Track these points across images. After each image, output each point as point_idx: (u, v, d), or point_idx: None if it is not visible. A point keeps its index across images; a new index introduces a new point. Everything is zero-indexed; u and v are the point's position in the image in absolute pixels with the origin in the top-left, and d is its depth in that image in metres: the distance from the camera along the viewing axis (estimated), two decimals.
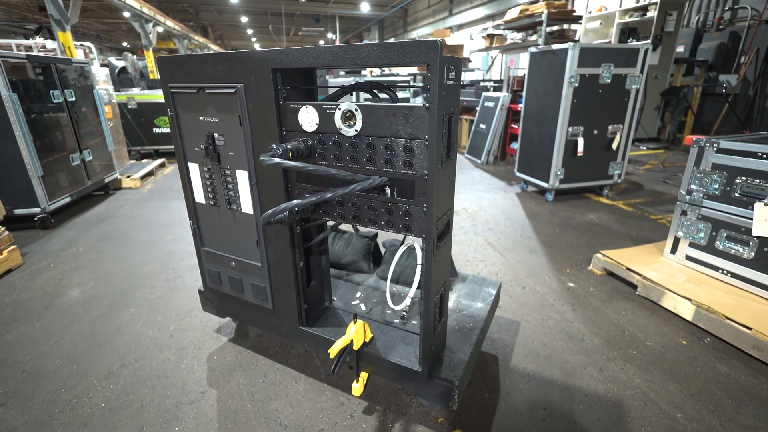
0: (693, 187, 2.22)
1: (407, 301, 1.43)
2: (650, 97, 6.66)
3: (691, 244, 2.26)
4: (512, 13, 6.88)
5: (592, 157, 3.78)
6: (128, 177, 4.62)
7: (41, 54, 7.52)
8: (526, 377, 1.67)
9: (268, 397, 1.58)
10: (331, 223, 1.65)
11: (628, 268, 2.31)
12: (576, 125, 3.59)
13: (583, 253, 2.78)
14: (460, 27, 16.05)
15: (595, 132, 3.68)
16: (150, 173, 5.12)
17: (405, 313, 1.55)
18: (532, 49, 3.83)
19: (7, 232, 2.66)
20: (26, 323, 2.07)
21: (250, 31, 25.59)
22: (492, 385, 1.63)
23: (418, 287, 1.25)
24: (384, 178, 1.13)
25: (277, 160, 1.00)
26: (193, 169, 1.55)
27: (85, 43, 8.21)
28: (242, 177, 1.42)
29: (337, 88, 1.30)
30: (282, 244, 1.44)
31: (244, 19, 21.34)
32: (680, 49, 6.92)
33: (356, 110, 1.12)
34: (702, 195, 2.18)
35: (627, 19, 6.77)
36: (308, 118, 1.21)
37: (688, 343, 1.86)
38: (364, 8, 18.43)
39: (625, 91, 3.62)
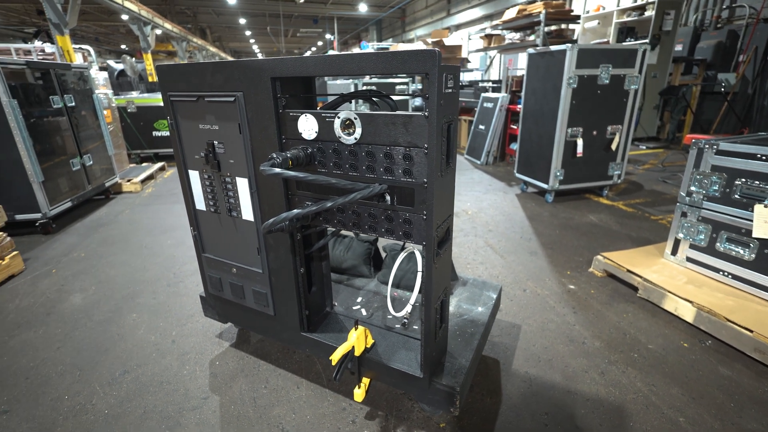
0: (693, 188, 2.22)
1: (408, 308, 1.44)
2: (649, 96, 6.67)
3: (692, 246, 2.27)
4: (510, 13, 6.88)
5: (592, 158, 3.79)
6: (128, 181, 4.63)
7: (40, 58, 7.53)
8: (527, 381, 1.67)
9: (270, 403, 1.58)
10: (331, 229, 1.65)
11: (628, 270, 2.31)
12: (575, 126, 3.60)
13: (584, 255, 2.78)
14: (458, 27, 16.06)
15: (594, 132, 3.69)
16: (150, 177, 5.13)
17: (406, 320, 1.56)
18: (531, 51, 3.83)
19: (9, 238, 2.67)
20: (29, 329, 2.08)
21: (248, 33, 25.61)
22: (494, 389, 1.63)
23: (419, 293, 1.26)
24: (384, 186, 1.13)
25: (277, 170, 1.01)
26: (194, 176, 1.55)
27: (83, 47, 8.22)
28: (242, 184, 1.43)
29: (336, 96, 1.31)
30: (283, 251, 1.45)
31: (242, 21, 21.34)
32: (678, 48, 6.93)
33: (355, 118, 1.12)
34: (702, 197, 2.19)
35: (625, 18, 6.78)
36: (308, 126, 1.21)
37: (690, 346, 1.86)
38: (362, 9, 18.43)
39: (623, 92, 3.63)
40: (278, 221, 1.07)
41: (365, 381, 1.50)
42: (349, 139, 1.15)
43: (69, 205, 3.56)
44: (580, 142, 3.64)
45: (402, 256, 1.48)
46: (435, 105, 0.99)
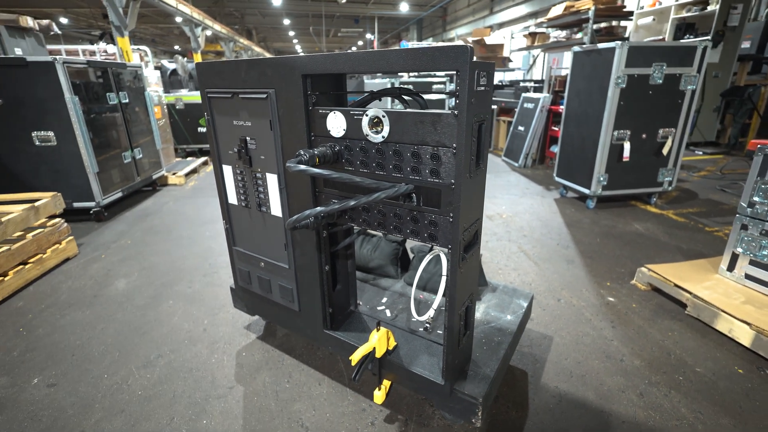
0: (756, 199, 2.02)
1: (431, 313, 1.40)
2: (708, 97, 6.15)
3: (752, 262, 2.06)
4: (556, 10, 6.59)
5: (640, 163, 3.55)
6: (174, 174, 4.88)
7: (103, 58, 8.12)
8: (557, 397, 1.58)
9: (292, 398, 1.60)
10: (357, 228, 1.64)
11: (676, 285, 2.13)
12: (622, 129, 3.38)
13: (626, 266, 2.61)
14: (500, 26, 15.64)
15: (644, 136, 3.45)
16: (194, 171, 5.38)
17: (428, 325, 1.52)
18: (576, 48, 3.64)
19: (65, 224, 2.89)
20: (78, 310, 2.23)
21: (291, 33, 26.32)
22: (520, 402, 1.56)
23: (443, 297, 1.22)
24: (410, 186, 1.10)
25: (303, 167, 1.00)
26: (227, 171, 1.60)
27: (141, 47, 8.79)
28: (272, 180, 1.45)
29: (366, 94, 1.29)
30: (308, 248, 1.46)
31: (286, 22, 21.96)
32: (746, 45, 6.34)
33: (383, 116, 1.10)
34: (767, 208, 1.98)
35: (684, 13, 6.30)
36: (336, 123, 1.21)
37: (745, 373, 1.69)
38: (403, 8, 18.40)
39: (678, 92, 3.36)
40: (302, 218, 1.07)
41: (386, 383, 1.48)
42: (377, 138, 1.13)
43: (120, 195, 3.81)
44: (627, 145, 3.41)
45: (428, 258, 1.44)
46: (465, 103, 0.95)
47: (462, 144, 0.99)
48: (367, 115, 1.13)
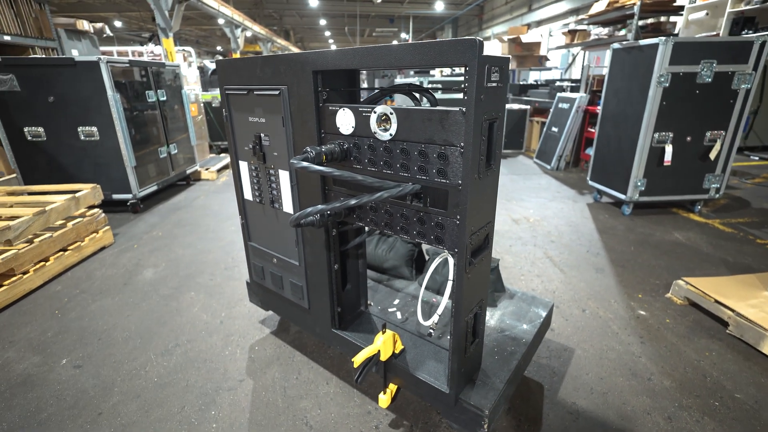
0: None
1: (435, 318, 1.35)
2: (767, 98, 5.66)
3: None
4: (599, 6, 6.28)
5: (683, 167, 3.30)
6: (207, 169, 5.07)
7: (150, 58, 8.57)
8: (574, 414, 1.49)
9: (299, 395, 1.60)
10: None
11: (716, 301, 1.96)
12: (664, 131, 3.16)
13: (662, 278, 2.43)
14: (539, 23, 15.13)
15: (688, 139, 3.20)
16: (226, 167, 5.56)
17: (432, 331, 1.47)
18: (615, 45, 3.44)
19: (103, 215, 3.05)
20: (108, 296, 2.35)
21: (327, 33, 26.72)
22: (533, 417, 1.48)
23: (451, 301, 1.17)
24: (415, 186, 1.06)
25: (305, 164, 0.99)
26: (243, 167, 1.62)
27: (186, 48, 9.21)
28: (284, 177, 1.45)
29: (376, 91, 1.26)
30: (318, 246, 1.45)
31: (322, 22, 22.33)
32: None
33: (391, 113, 1.07)
34: None
35: (742, 6, 5.81)
36: (345, 120, 1.19)
37: None
38: (438, 7, 18.20)
39: (730, 92, 3.10)
40: (303, 215, 1.06)
41: (392, 387, 1.45)
42: (384, 135, 1.10)
43: (155, 188, 3.99)
44: (668, 148, 3.19)
45: (437, 261, 1.39)
46: (473, 100, 0.90)
47: (470, 143, 0.94)
48: (375, 112, 1.10)
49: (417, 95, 1.20)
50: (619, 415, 1.48)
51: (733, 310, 1.88)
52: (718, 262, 2.61)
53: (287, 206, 1.50)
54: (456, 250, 1.06)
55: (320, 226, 1.18)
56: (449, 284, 1.16)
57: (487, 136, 0.99)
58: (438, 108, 0.99)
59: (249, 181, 1.62)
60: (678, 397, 1.55)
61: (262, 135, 1.46)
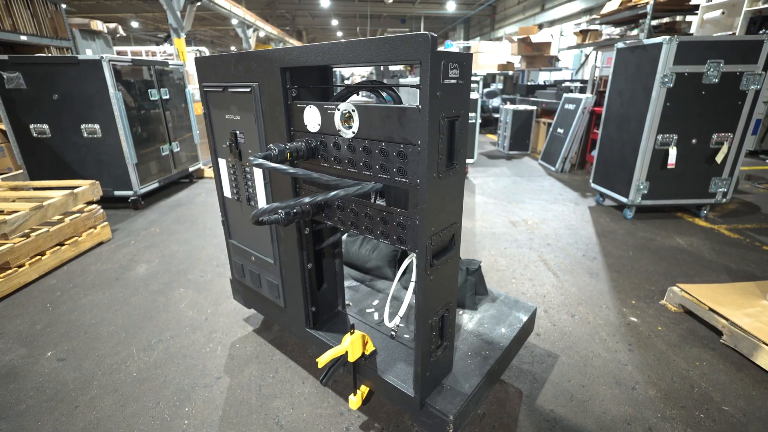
0: None
1: (396, 320, 1.33)
2: None
3: None
4: (611, 5, 6.13)
5: (688, 171, 3.20)
6: (210, 167, 5.12)
7: (163, 58, 8.73)
8: (550, 422, 1.44)
9: (273, 394, 1.59)
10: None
11: (711, 309, 1.89)
12: (668, 132, 3.06)
13: (658, 284, 2.35)
14: (552, 23, 14.93)
15: (694, 141, 3.11)
16: None
17: (393, 332, 1.44)
18: (619, 45, 3.36)
19: (101, 210, 3.11)
20: (99, 291, 2.39)
21: (339, 34, 26.84)
22: (508, 423, 1.44)
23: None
24: (377, 185, 1.04)
25: (260, 161, 0.98)
26: (222, 164, 1.62)
27: (200, 48, 9.35)
28: (258, 175, 1.45)
29: (342, 88, 1.25)
30: (291, 244, 1.44)
31: (334, 23, 22.43)
32: None
33: (354, 111, 1.05)
34: None
35: (760, 5, 5.62)
36: (312, 118, 1.17)
37: None
38: (450, 8, 18.11)
39: (738, 93, 2.99)
40: (261, 212, 1.05)
41: (363, 389, 1.43)
42: (348, 133, 1.09)
43: (156, 185, 4.04)
44: (672, 151, 3.09)
45: (406, 262, 1.37)
46: (428, 97, 0.88)
47: (426, 141, 0.91)
48: (338, 110, 1.09)
49: (383, 93, 1.18)
50: (598, 424, 1.43)
51: (727, 319, 1.81)
52: (720, 269, 2.52)
53: (262, 204, 1.49)
54: (417, 250, 1.04)
55: (286, 224, 1.17)
56: (411, 285, 1.14)
57: (447, 134, 0.97)
58: (396, 105, 0.97)
59: (228, 178, 1.62)
60: (662, 407, 1.50)
61: (238, 132, 1.46)
